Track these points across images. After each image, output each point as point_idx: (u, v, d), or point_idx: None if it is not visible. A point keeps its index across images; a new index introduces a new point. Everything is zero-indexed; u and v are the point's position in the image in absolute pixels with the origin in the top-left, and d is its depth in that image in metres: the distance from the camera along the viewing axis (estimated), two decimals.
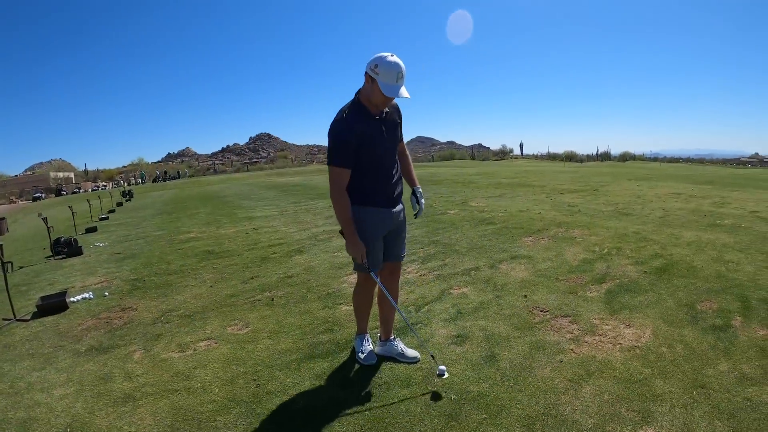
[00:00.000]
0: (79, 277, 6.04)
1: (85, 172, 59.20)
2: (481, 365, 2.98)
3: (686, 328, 3.35)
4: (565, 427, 2.36)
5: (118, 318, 4.31)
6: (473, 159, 52.40)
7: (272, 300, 4.44)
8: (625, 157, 44.46)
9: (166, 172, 55.80)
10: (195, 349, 3.50)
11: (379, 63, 2.59)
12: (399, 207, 2.98)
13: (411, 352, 3.13)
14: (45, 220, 8.17)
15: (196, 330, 3.87)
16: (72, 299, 4.90)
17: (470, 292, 4.30)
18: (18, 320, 4.46)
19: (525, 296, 4.08)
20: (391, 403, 2.65)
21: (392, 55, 2.61)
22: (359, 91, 2.77)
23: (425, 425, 2.45)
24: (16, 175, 55.59)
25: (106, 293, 5.10)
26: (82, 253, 7.67)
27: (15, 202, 35.72)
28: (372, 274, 2.90)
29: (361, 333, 3.26)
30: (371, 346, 3.21)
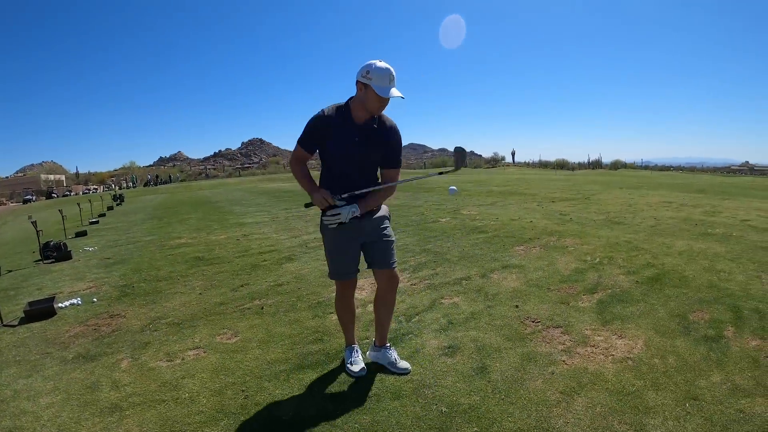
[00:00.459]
0: (67, 282, 5.96)
1: (77, 174, 58.67)
2: (473, 377, 2.94)
3: (678, 338, 3.34)
4: None
5: (106, 325, 4.24)
6: (465, 166, 52.23)
7: (262, 308, 4.39)
8: (617, 166, 44.67)
9: (157, 176, 55.45)
10: (183, 358, 3.44)
11: (369, 69, 2.67)
12: (367, 217, 2.93)
13: (403, 363, 3.10)
14: (34, 223, 8.06)
15: (185, 338, 3.81)
16: (60, 305, 4.82)
17: (461, 301, 4.27)
18: (5, 326, 4.38)
19: (516, 306, 4.05)
20: (381, 416, 2.61)
21: (381, 61, 2.70)
22: (350, 98, 2.83)
23: None
24: (7, 177, 55.01)
25: (95, 299, 5.02)
26: (71, 258, 7.56)
27: (5, 204, 35.32)
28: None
29: (349, 344, 3.24)
30: (360, 357, 3.18)
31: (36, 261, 7.65)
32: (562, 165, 45.35)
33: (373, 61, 2.69)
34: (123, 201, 22.14)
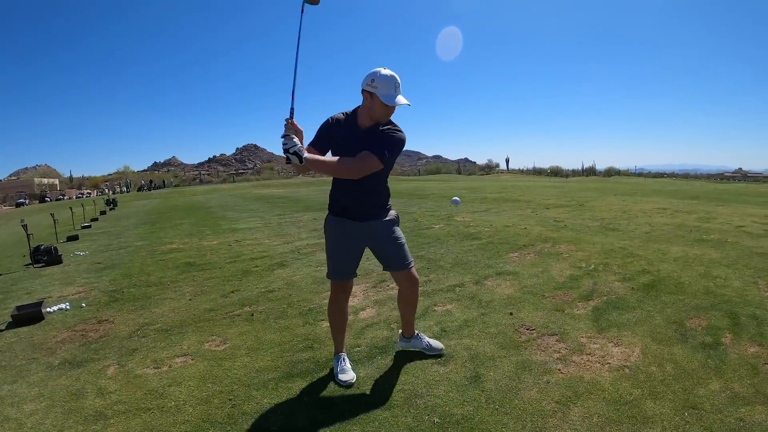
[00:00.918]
0: (57, 286, 5.87)
1: (70, 179, 58.48)
2: (466, 386, 2.87)
3: (676, 346, 3.28)
4: None
5: (94, 331, 4.16)
6: (459, 173, 52.59)
7: (252, 315, 4.31)
8: (610, 173, 44.91)
9: (151, 181, 55.29)
10: (170, 366, 3.36)
11: (375, 77, 2.68)
12: (371, 222, 2.95)
13: (435, 344, 3.32)
14: (25, 226, 7.97)
15: (173, 345, 3.73)
16: (48, 309, 4.76)
17: (455, 309, 4.19)
18: None
19: (511, 314, 3.98)
20: (372, 427, 2.53)
21: (385, 68, 2.71)
22: (358, 107, 2.87)
23: None
24: (0, 180, 54.77)
25: (84, 304, 4.94)
26: (62, 262, 7.49)
27: None
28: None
29: (337, 352, 3.18)
30: (349, 365, 3.11)
31: (26, 265, 7.56)
32: (556, 172, 45.53)
33: (378, 69, 2.71)
34: (116, 205, 22.03)
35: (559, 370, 3.02)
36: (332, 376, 3.08)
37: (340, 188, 2.95)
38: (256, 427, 2.59)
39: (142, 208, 19.82)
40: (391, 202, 3.08)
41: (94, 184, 56.53)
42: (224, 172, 78.04)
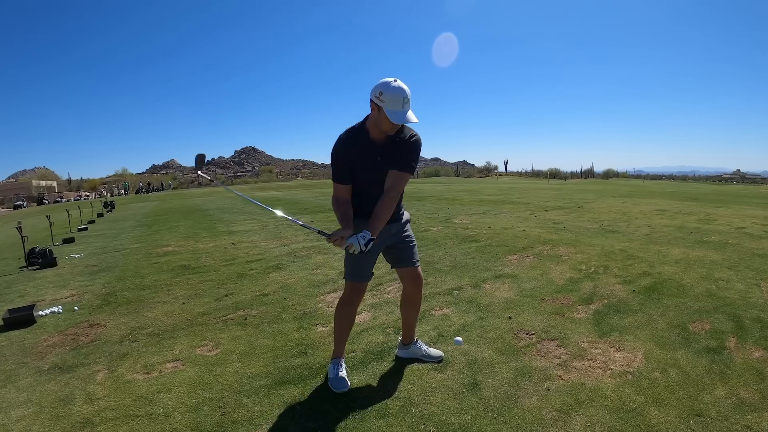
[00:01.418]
0: (50, 289, 5.79)
1: (69, 181, 58.32)
2: (463, 394, 2.78)
3: (679, 350, 3.20)
4: None
5: (85, 335, 4.09)
6: (458, 176, 52.57)
7: (245, 319, 4.22)
8: (609, 175, 44.94)
9: (149, 184, 55.19)
10: (161, 371, 3.28)
11: (383, 90, 2.56)
12: (392, 224, 2.93)
13: (434, 351, 3.24)
14: (19, 229, 7.89)
15: (164, 350, 3.65)
16: (40, 313, 4.70)
17: (452, 313, 4.11)
18: None
19: (510, 318, 3.89)
20: None
21: (396, 81, 2.58)
22: (367, 117, 2.75)
23: None
24: None
25: (76, 307, 4.87)
26: (56, 265, 7.42)
27: None
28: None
29: (336, 357, 3.07)
30: (345, 372, 3.01)
31: (21, 267, 7.49)
32: (554, 174, 45.55)
33: (389, 80, 2.59)
34: (114, 208, 21.94)
35: (559, 376, 2.93)
36: (325, 383, 2.98)
37: (364, 199, 2.84)
38: None
39: (139, 211, 19.71)
40: None
41: (93, 186, 56.41)
42: (223, 174, 78.00)
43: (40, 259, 7.51)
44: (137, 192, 49.70)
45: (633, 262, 5.48)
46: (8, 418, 2.78)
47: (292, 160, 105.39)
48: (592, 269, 5.25)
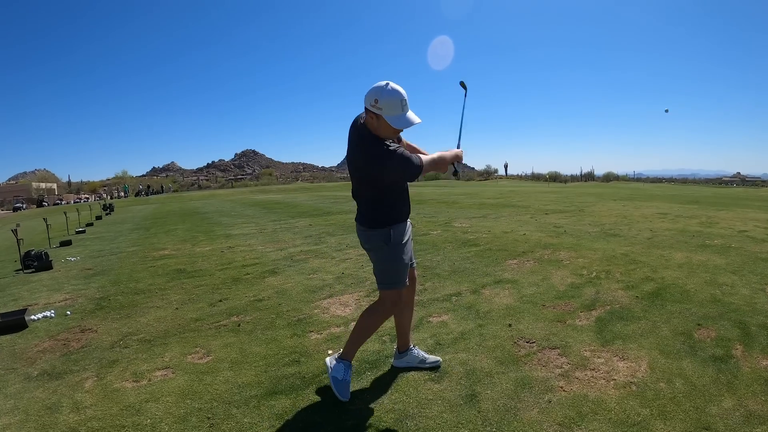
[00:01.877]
0: (44, 293, 5.71)
1: (69, 183, 58.28)
2: (461, 406, 2.67)
3: (685, 359, 3.10)
4: None
5: (76, 340, 4.01)
6: (458, 179, 52.19)
7: (238, 325, 4.12)
8: (609, 178, 44.81)
9: (149, 186, 55.14)
10: (150, 379, 3.19)
11: (378, 96, 2.42)
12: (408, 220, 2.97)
13: (432, 358, 3.16)
14: (15, 231, 7.81)
15: (155, 357, 3.55)
16: (33, 317, 4.62)
17: (450, 320, 4.00)
18: None
19: (509, 325, 3.78)
20: None
21: (388, 84, 2.44)
22: (366, 126, 2.57)
23: None
24: None
25: (68, 312, 4.79)
26: (51, 268, 7.35)
27: None
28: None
29: (349, 360, 2.92)
30: (350, 378, 2.89)
31: (17, 270, 7.42)
32: (554, 177, 45.42)
33: (381, 85, 2.45)
34: (112, 211, 21.88)
35: (561, 387, 2.82)
36: (318, 393, 2.88)
37: (398, 196, 2.80)
38: None
39: (138, 214, 19.62)
40: None
41: (92, 188, 56.33)
42: (223, 177, 77.95)
43: (35, 262, 7.43)
44: (137, 195, 49.63)
45: (635, 267, 5.38)
46: None
47: (292, 163, 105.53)
48: (594, 274, 5.15)
